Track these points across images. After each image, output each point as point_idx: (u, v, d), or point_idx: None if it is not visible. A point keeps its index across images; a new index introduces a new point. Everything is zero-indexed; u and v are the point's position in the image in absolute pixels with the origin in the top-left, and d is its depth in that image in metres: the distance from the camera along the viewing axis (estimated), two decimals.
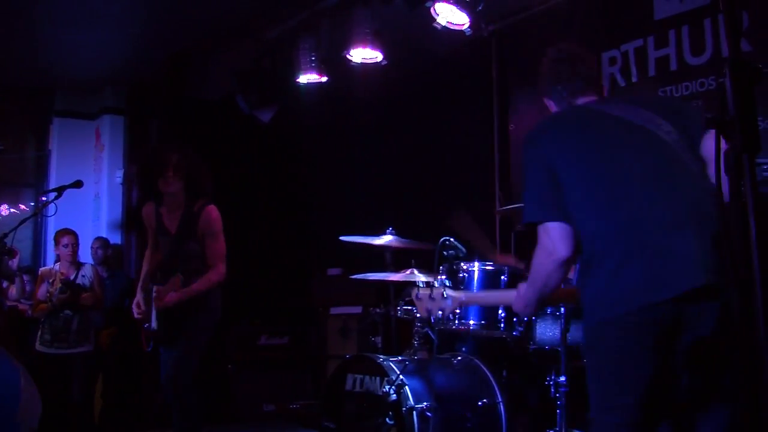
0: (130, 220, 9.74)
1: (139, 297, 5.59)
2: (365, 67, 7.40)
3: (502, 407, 4.88)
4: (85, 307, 7.47)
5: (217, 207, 5.61)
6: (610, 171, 3.00)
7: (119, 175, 9.99)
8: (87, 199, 10.08)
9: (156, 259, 5.79)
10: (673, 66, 6.33)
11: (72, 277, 7.50)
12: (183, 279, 5.42)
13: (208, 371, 6.61)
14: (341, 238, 5.82)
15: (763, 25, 5.70)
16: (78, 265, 7.70)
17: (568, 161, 3.06)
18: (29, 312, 7.76)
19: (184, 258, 5.52)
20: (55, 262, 7.81)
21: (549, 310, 5.05)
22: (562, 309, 4.66)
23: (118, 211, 10.01)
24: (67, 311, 7.37)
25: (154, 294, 5.44)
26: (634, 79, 6.71)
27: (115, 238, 9.70)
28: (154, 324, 5.43)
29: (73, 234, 7.75)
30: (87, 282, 7.62)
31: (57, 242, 7.68)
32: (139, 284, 5.71)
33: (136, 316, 5.56)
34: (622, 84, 6.81)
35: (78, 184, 6.04)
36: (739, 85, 1.76)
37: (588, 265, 2.99)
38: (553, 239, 3.01)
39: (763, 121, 5.57)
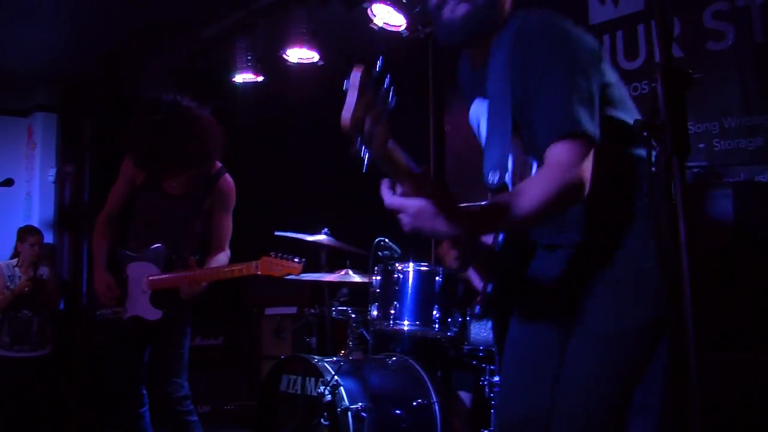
0: (63, 220, 9.61)
1: (107, 278, 4.82)
2: (301, 68, 7.39)
3: (436, 407, 4.91)
4: (43, 307, 7.34)
5: None
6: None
7: (51, 174, 9.83)
8: (18, 198, 9.90)
9: (112, 231, 5.05)
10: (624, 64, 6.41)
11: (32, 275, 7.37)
12: (197, 259, 4.87)
13: None
14: (276, 233, 5.80)
15: (694, 31, 5.81)
16: (36, 264, 7.55)
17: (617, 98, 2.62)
18: None
19: (187, 231, 5.01)
20: (13, 257, 7.66)
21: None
22: None
23: (50, 211, 9.84)
24: (26, 311, 7.22)
25: (151, 278, 4.83)
26: None
27: (47, 238, 9.56)
28: (145, 313, 4.78)
29: (40, 234, 7.63)
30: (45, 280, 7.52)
31: (22, 239, 7.54)
32: (101, 262, 4.89)
33: (104, 301, 4.77)
34: None
35: (9, 183, 5.94)
36: (670, 90, 1.79)
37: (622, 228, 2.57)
38: (590, 170, 2.39)
39: (693, 125, 5.68)
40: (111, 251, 4.95)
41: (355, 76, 2.15)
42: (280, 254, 4.83)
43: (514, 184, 2.72)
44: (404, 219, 2.20)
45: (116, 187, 5.05)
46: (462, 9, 2.66)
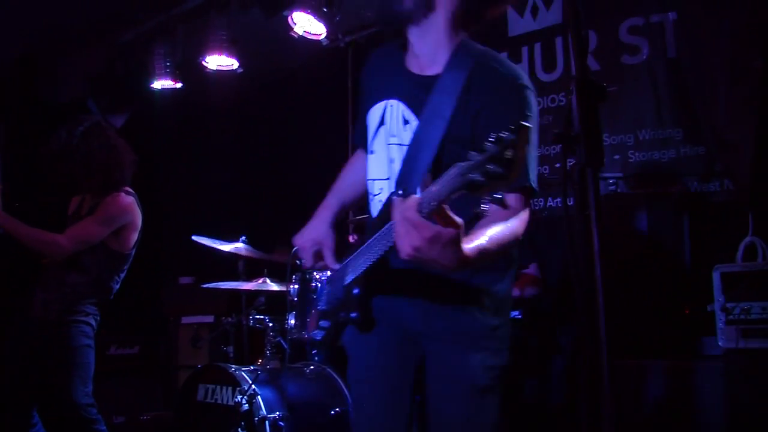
0: None
1: None
2: (221, 74, 7.34)
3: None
4: None
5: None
6: None
7: None
8: None
9: None
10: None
11: None
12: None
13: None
14: (193, 237, 5.75)
15: (610, 45, 5.92)
16: None
17: None
18: None
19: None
20: None
21: None
22: None
23: None
24: None
25: None
26: None
27: None
28: None
29: None
30: None
31: None
32: None
33: None
34: None
35: None
36: (584, 103, 1.82)
37: (510, 264, 2.83)
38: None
39: (609, 137, 5.78)
40: None
41: None
42: None
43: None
44: (415, 239, 2.10)
45: None
46: None
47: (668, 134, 5.67)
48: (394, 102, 2.83)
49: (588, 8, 1.92)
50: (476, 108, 2.60)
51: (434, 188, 2.06)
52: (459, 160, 2.43)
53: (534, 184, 2.53)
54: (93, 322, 4.95)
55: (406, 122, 2.76)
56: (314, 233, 3.13)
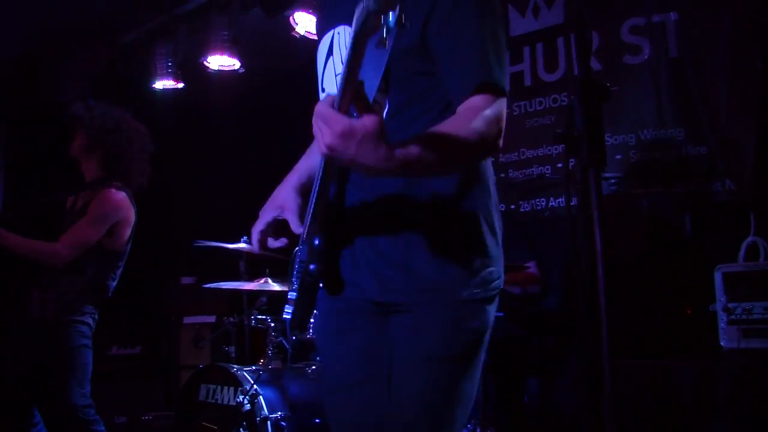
0: None
1: None
2: (222, 75, 7.35)
3: None
4: None
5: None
6: None
7: None
8: None
9: None
10: (528, 82, 6.50)
11: None
12: None
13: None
14: (196, 243, 5.75)
15: (612, 45, 5.92)
16: None
17: None
18: None
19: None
20: None
21: None
22: None
23: None
24: None
25: None
26: None
27: None
28: None
29: None
30: None
31: None
32: None
33: None
34: None
35: None
36: (587, 103, 1.82)
37: (473, 176, 2.37)
38: (504, 122, 2.19)
39: (611, 137, 5.77)
40: None
41: None
42: None
43: None
44: (327, 136, 1.84)
45: None
46: None
47: (670, 134, 5.66)
48: (341, 28, 2.49)
49: (590, 8, 1.92)
50: (426, 9, 2.24)
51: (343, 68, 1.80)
52: (412, 73, 2.27)
53: (499, 81, 2.18)
54: (91, 322, 4.93)
55: None
56: (275, 200, 2.69)
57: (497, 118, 2.12)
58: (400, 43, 2.02)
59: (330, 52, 2.53)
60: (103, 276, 4.97)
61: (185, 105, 8.21)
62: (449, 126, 2.08)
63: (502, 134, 2.14)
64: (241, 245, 5.74)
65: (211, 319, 7.96)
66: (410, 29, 2.13)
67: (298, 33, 6.66)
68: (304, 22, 6.63)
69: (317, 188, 2.26)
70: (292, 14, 6.58)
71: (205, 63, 7.22)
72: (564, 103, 6.18)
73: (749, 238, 4.90)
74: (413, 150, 1.93)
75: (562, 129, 1.94)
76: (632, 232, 5.04)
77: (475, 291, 2.31)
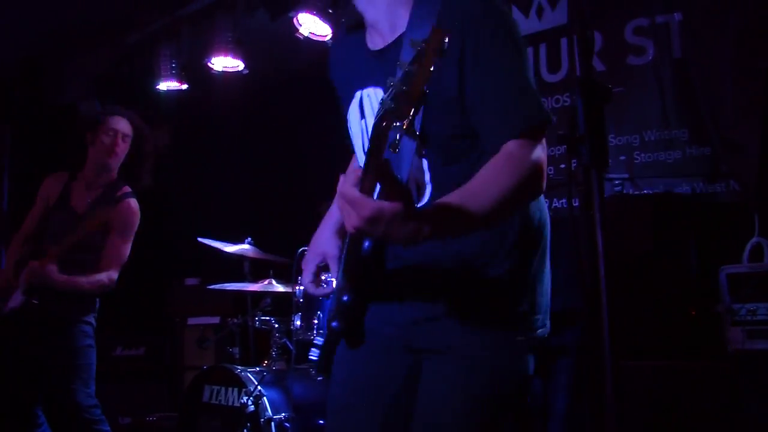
0: None
1: (6, 273, 4.86)
2: (226, 76, 7.35)
3: None
4: None
5: None
6: None
7: None
8: None
9: (26, 249, 5.02)
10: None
11: None
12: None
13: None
14: (199, 239, 5.76)
15: (615, 46, 5.91)
16: None
17: None
18: None
19: (83, 246, 4.82)
20: None
21: None
22: None
23: None
24: None
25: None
26: None
27: None
28: (12, 301, 4.71)
29: None
30: None
31: None
32: (9, 267, 4.93)
33: None
34: None
35: None
36: (589, 104, 1.82)
37: (510, 233, 2.29)
38: (543, 163, 2.12)
39: (614, 137, 5.77)
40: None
41: None
42: None
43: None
44: (353, 219, 1.82)
45: (34, 209, 5.16)
46: None
47: (674, 135, 5.65)
48: (370, 90, 2.41)
49: (593, 9, 1.92)
50: (455, 55, 2.14)
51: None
52: (449, 128, 2.21)
53: (532, 122, 2.11)
54: (93, 321, 4.97)
55: None
56: (316, 246, 2.66)
57: (533, 163, 2.07)
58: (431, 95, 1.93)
59: (362, 114, 2.45)
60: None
61: (189, 106, 8.22)
62: (481, 180, 2.04)
63: (543, 176, 2.09)
64: (245, 246, 5.75)
65: (215, 320, 7.95)
66: (445, 83, 2.15)
67: (302, 34, 6.65)
68: (308, 24, 6.63)
69: (347, 246, 2.25)
70: (296, 15, 6.57)
71: (209, 64, 7.23)
72: (567, 104, 6.18)
73: (753, 239, 4.89)
74: (444, 216, 1.94)
75: (564, 130, 1.93)
76: (635, 233, 5.02)
77: (519, 337, 2.30)
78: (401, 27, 2.31)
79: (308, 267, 2.62)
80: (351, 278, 2.21)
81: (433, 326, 2.30)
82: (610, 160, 1.80)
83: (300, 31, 6.63)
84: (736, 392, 4.20)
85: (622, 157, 5.78)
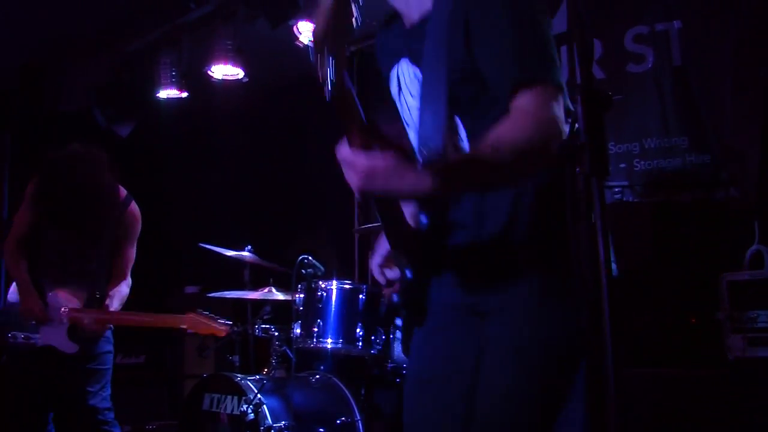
0: None
1: (36, 298, 4.71)
2: (226, 84, 7.36)
3: (360, 425, 4.90)
4: None
5: None
6: None
7: None
8: None
9: (25, 255, 4.92)
10: None
11: None
12: (100, 295, 4.82)
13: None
14: (201, 245, 5.76)
15: (615, 54, 5.92)
16: None
17: None
18: None
19: (97, 260, 4.89)
20: None
21: None
22: None
23: None
24: None
25: (71, 309, 4.72)
26: None
27: None
28: (61, 345, 4.70)
29: None
30: None
31: None
32: (27, 282, 4.77)
33: (28, 320, 4.69)
34: None
35: None
36: (589, 112, 1.82)
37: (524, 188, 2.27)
38: (562, 117, 2.14)
39: (615, 145, 5.77)
40: (30, 276, 4.84)
41: None
42: (208, 313, 4.92)
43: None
44: (354, 178, 1.93)
45: (22, 212, 5.08)
46: None
47: (674, 142, 5.66)
48: (403, 63, 2.54)
49: (593, 17, 1.92)
50: (462, 26, 2.24)
51: None
52: (471, 91, 2.27)
53: (536, 74, 2.17)
54: (111, 326, 5.00)
55: (417, 79, 2.44)
56: (383, 245, 2.65)
57: (539, 116, 2.10)
58: (451, 64, 2.20)
59: (399, 88, 2.58)
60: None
61: (189, 114, 8.23)
62: (488, 137, 2.07)
63: (558, 124, 2.10)
64: (245, 254, 5.75)
65: None
66: (458, 50, 2.24)
67: (302, 42, 6.67)
68: (308, 32, 6.64)
69: (406, 224, 2.34)
70: (296, 23, 6.59)
71: (209, 72, 7.24)
72: None
73: (753, 247, 4.89)
74: (445, 167, 2.00)
75: (564, 138, 1.93)
76: (636, 240, 5.03)
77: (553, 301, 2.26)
78: (428, 4, 2.39)
79: (379, 250, 2.66)
80: (410, 255, 2.29)
81: (488, 290, 2.30)
82: (610, 168, 1.80)
83: (300, 39, 6.65)
84: (736, 400, 4.20)
85: (622, 165, 5.79)
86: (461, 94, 2.29)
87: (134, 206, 5.11)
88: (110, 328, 4.97)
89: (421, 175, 1.93)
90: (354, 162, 1.93)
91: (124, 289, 4.99)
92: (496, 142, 2.04)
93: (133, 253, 5.09)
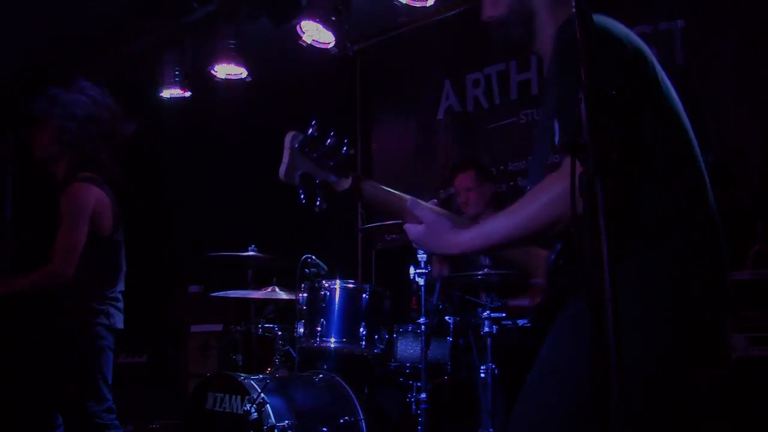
0: None
1: None
2: (229, 83, 7.37)
3: (363, 424, 4.90)
4: None
5: None
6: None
7: None
8: None
9: None
10: (534, 90, 6.51)
11: None
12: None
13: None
14: (209, 254, 5.76)
15: None
16: None
17: None
18: None
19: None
20: None
21: (410, 328, 5.12)
22: (423, 327, 4.71)
23: None
24: None
25: None
26: (497, 102, 6.87)
27: None
28: None
29: None
30: None
31: None
32: None
33: None
34: (486, 106, 6.96)
35: None
36: (593, 111, 1.82)
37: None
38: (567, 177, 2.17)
39: None
40: None
41: (287, 138, 2.57)
42: None
43: None
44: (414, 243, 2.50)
45: None
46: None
47: None
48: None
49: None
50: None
51: None
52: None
53: (563, 135, 2.27)
54: (105, 321, 4.80)
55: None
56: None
57: (553, 185, 2.20)
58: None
59: None
60: (99, 268, 4.81)
61: (192, 114, 8.23)
62: (522, 200, 2.30)
63: (563, 196, 2.13)
64: (248, 253, 5.76)
65: (218, 327, 7.96)
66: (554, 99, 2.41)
67: (305, 42, 6.67)
68: (311, 31, 6.65)
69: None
70: (299, 23, 6.59)
71: (212, 72, 7.25)
72: None
73: (756, 246, 4.89)
74: (484, 231, 2.35)
75: (567, 137, 1.94)
76: None
77: None
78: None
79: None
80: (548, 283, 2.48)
81: None
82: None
83: (303, 38, 6.65)
84: (739, 399, 4.20)
85: None
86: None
87: (75, 186, 4.78)
88: (99, 323, 4.83)
89: (454, 238, 2.40)
90: (406, 230, 2.53)
91: (41, 273, 4.61)
92: (520, 204, 2.28)
93: (68, 234, 4.63)
